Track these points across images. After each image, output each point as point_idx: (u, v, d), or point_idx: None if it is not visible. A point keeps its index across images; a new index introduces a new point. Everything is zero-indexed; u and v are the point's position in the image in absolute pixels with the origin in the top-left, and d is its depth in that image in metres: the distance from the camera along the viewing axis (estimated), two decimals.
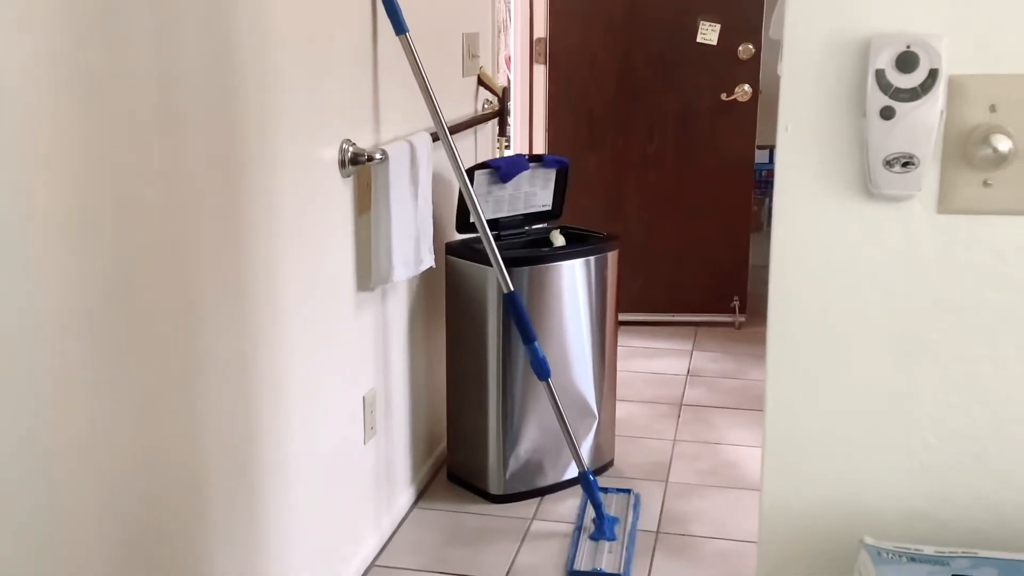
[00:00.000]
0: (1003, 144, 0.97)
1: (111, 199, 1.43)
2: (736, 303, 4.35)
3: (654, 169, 4.32)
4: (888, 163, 0.99)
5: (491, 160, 2.93)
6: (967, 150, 0.99)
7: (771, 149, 5.57)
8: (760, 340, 4.24)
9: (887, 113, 0.98)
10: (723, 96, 4.20)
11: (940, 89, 0.97)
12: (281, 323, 1.98)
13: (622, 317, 3.17)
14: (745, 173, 4.26)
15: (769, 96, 4.24)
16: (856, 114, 1.01)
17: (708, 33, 4.15)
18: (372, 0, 2.37)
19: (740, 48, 4.15)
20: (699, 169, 4.29)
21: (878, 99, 0.98)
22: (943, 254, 1.03)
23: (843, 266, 1.05)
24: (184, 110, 1.61)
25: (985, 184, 0.99)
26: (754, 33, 4.13)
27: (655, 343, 4.22)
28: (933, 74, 0.97)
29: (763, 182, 4.95)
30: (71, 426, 1.38)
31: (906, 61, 0.97)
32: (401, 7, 2.37)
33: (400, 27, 2.37)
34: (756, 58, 4.15)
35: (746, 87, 4.17)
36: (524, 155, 2.98)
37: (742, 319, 4.36)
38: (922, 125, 0.97)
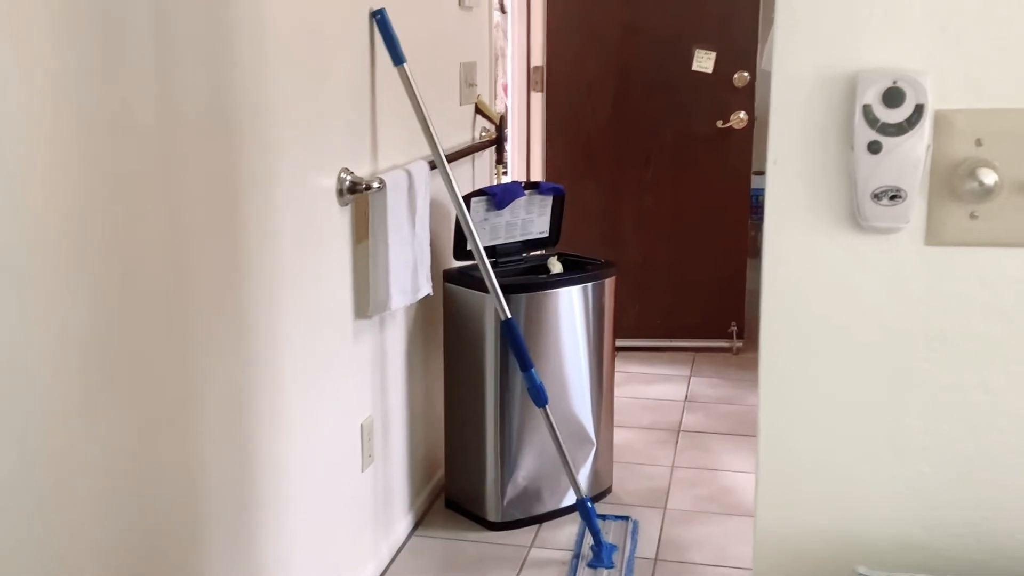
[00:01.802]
0: (989, 177, 0.98)
1: (110, 228, 1.44)
2: (734, 328, 4.37)
3: (651, 196, 4.34)
4: (876, 196, 1.00)
5: (487, 187, 2.96)
6: (953, 183, 1.01)
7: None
8: (757, 365, 4.24)
9: (874, 147, 0.99)
10: (719, 123, 4.23)
11: (926, 124, 0.99)
12: (279, 351, 1.99)
13: (619, 343, 3.19)
14: (741, 199, 4.29)
15: (765, 123, 4.26)
16: (844, 148, 1.02)
17: (704, 61, 4.19)
18: (370, 31, 2.40)
19: (735, 76, 4.19)
20: (696, 195, 4.31)
21: (865, 133, 0.99)
22: (931, 285, 1.04)
23: (833, 297, 1.07)
24: (182, 139, 1.62)
25: (972, 216, 1.01)
26: (749, 61, 4.17)
27: (653, 369, 4.23)
28: (919, 109, 0.98)
29: (760, 208, 4.97)
30: (66, 455, 1.39)
31: (892, 96, 0.98)
32: (399, 37, 2.39)
33: (398, 58, 2.40)
34: (751, 86, 4.19)
35: (742, 114, 4.20)
36: (520, 182, 3.00)
37: (740, 344, 4.37)
38: (909, 159, 0.99)
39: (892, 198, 1.00)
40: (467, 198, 2.74)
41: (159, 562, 1.62)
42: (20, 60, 1.26)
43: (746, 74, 4.18)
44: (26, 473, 1.31)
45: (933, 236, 1.02)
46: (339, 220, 2.28)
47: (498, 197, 2.88)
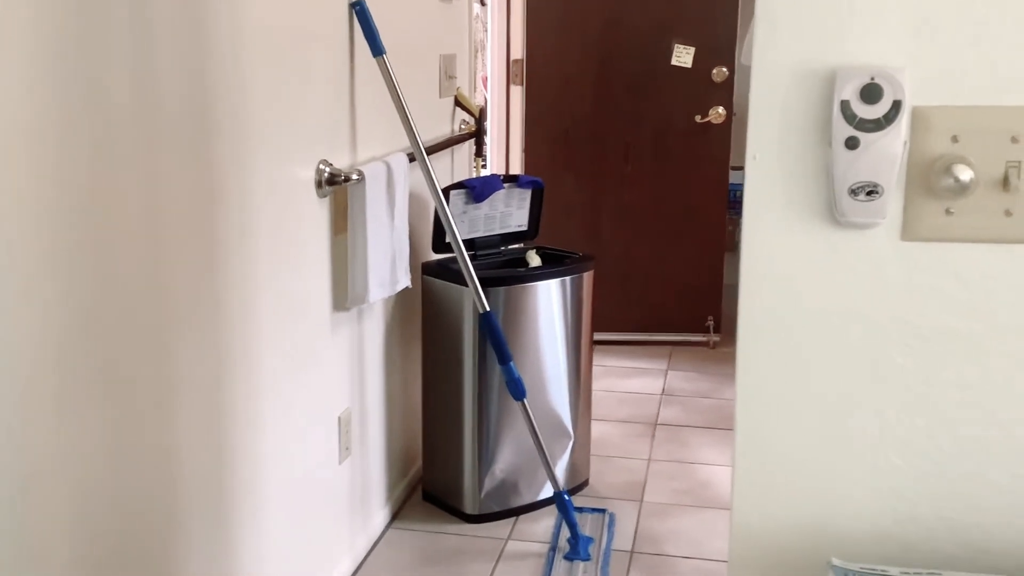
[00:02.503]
0: (964, 174, 0.99)
1: (85, 218, 1.43)
2: (711, 323, 4.39)
3: (629, 190, 4.35)
4: (853, 192, 1.01)
5: (466, 180, 2.95)
6: (930, 179, 1.01)
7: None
8: (734, 359, 4.27)
9: (852, 143, 1.00)
10: (697, 118, 4.24)
11: (903, 120, 1.00)
12: (256, 343, 1.98)
13: (597, 336, 3.19)
14: (719, 194, 4.31)
15: (743, 118, 4.28)
16: (822, 143, 1.03)
17: (683, 56, 4.20)
18: (349, 21, 2.39)
19: (714, 71, 4.20)
20: (674, 190, 4.33)
21: (843, 129, 1.00)
22: (907, 280, 1.05)
23: (810, 291, 1.07)
24: (159, 130, 1.61)
25: (947, 212, 1.02)
26: (728, 56, 4.19)
27: (630, 363, 4.25)
28: (897, 105, 0.99)
29: (737, 202, 5.00)
30: (43, 446, 1.37)
31: (870, 93, 0.99)
32: (379, 29, 2.38)
33: (377, 49, 2.39)
34: (730, 81, 4.20)
35: (720, 109, 4.22)
36: (499, 175, 3.00)
37: (716, 339, 4.39)
38: (886, 155, 1.00)
39: (869, 194, 1.01)
40: (446, 191, 2.73)
41: (135, 553, 1.61)
42: None
43: (725, 69, 4.19)
44: (2, 463, 1.30)
45: (909, 232, 1.03)
46: (317, 212, 2.27)
47: (477, 190, 2.88)
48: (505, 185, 2.96)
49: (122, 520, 1.57)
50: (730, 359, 4.19)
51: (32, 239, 1.33)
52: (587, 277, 2.96)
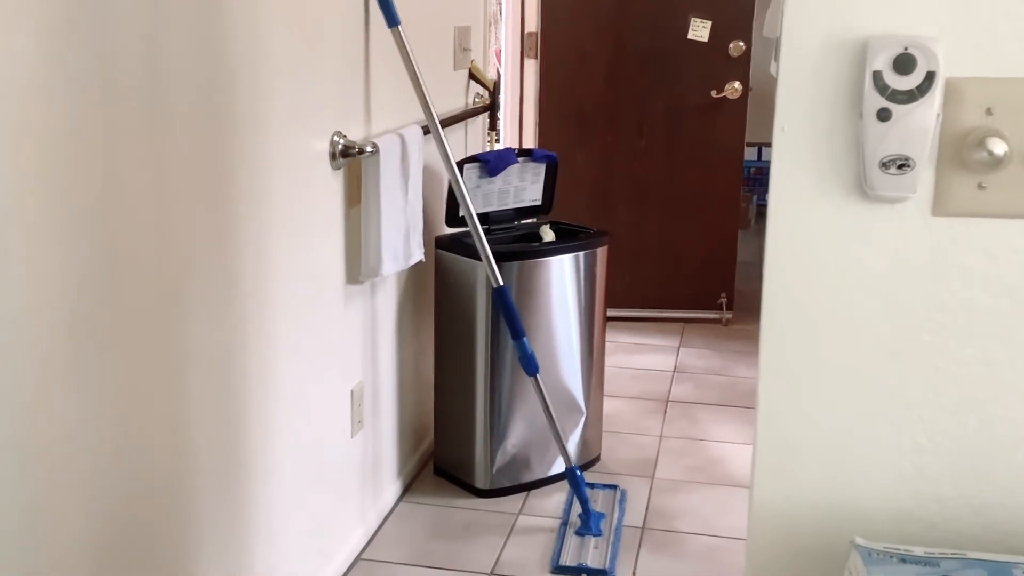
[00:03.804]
0: (998, 147, 0.97)
1: (97, 192, 1.42)
2: (723, 300, 4.36)
3: (643, 165, 4.32)
4: (884, 165, 0.99)
5: (480, 154, 2.93)
6: (962, 153, 0.99)
7: (760, 146, 5.59)
8: (746, 337, 4.28)
9: (884, 115, 0.98)
10: (713, 93, 4.20)
11: (937, 91, 0.97)
12: (269, 316, 1.97)
13: (609, 313, 3.18)
14: (734, 170, 4.27)
15: (759, 94, 4.25)
16: (852, 115, 1.01)
17: (699, 30, 4.15)
18: None
19: (731, 45, 4.15)
20: (688, 165, 4.29)
21: (875, 101, 0.98)
22: (936, 256, 1.03)
23: (837, 267, 1.05)
24: (173, 102, 1.59)
25: (980, 187, 0.99)
26: (745, 30, 4.14)
27: (642, 339, 4.23)
28: (930, 76, 0.97)
29: (751, 179, 4.97)
30: (54, 422, 1.37)
31: (903, 63, 0.97)
32: None
33: (392, 19, 2.36)
34: (747, 55, 4.15)
35: (736, 84, 4.17)
36: (513, 149, 2.98)
37: (729, 316, 4.37)
38: (918, 127, 0.98)
39: (900, 167, 0.98)
40: (460, 164, 2.71)
41: (147, 524, 1.61)
42: (5, 24, 1.22)
43: (741, 43, 4.14)
44: (16, 438, 1.29)
45: (940, 206, 1.01)
46: (331, 184, 2.25)
47: (491, 164, 2.86)
48: (519, 159, 2.94)
49: (134, 491, 1.56)
50: (743, 336, 4.19)
51: (43, 211, 1.31)
52: (601, 253, 2.94)
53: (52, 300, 1.34)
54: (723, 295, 4.36)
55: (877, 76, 0.97)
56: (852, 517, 1.10)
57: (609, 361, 3.48)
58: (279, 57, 1.94)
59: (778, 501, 1.12)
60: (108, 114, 1.42)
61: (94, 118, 1.39)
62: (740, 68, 4.17)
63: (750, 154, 4.34)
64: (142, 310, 1.54)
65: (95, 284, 1.42)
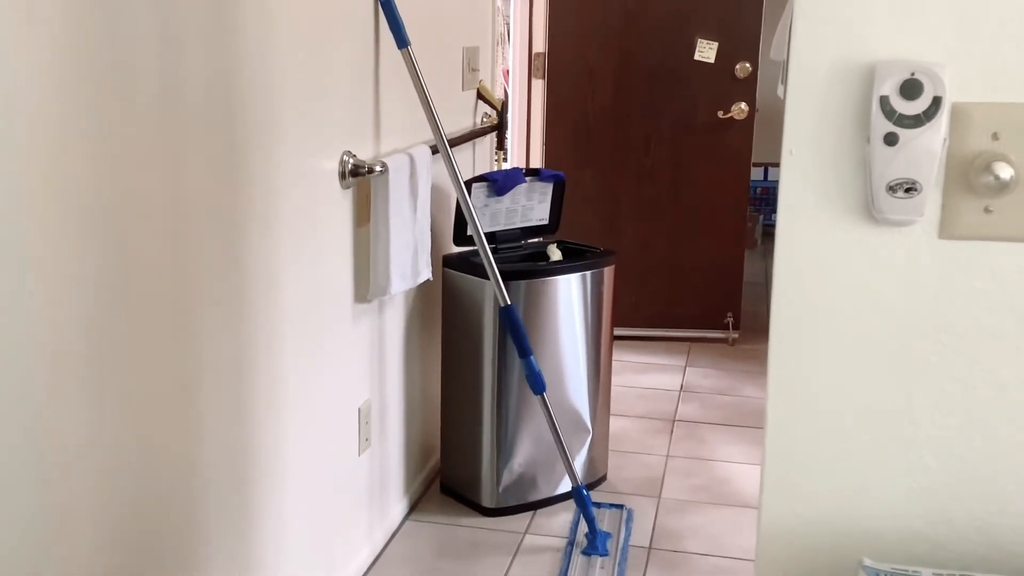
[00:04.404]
0: (1005, 172, 0.98)
1: (111, 206, 1.43)
2: (730, 319, 4.37)
3: (650, 185, 4.34)
4: (891, 188, 1.00)
5: (488, 173, 2.95)
6: (969, 177, 1.00)
7: (766, 166, 5.62)
8: (753, 357, 4.28)
9: (891, 139, 0.99)
10: (720, 114, 4.22)
11: (943, 116, 0.98)
12: (278, 333, 1.99)
13: (616, 332, 3.18)
14: (740, 190, 4.29)
15: (765, 115, 4.27)
16: (860, 139, 1.02)
17: (706, 51, 4.18)
18: (375, 13, 2.38)
19: (737, 67, 4.18)
20: (695, 185, 4.31)
21: (882, 125, 0.99)
22: (944, 279, 1.04)
23: (845, 288, 1.06)
24: (186, 120, 1.61)
25: (986, 211, 1.00)
26: (751, 52, 4.16)
27: (649, 358, 4.23)
28: (937, 101, 0.98)
29: (758, 199, 4.98)
30: (67, 431, 1.38)
31: (910, 88, 0.98)
32: (403, 20, 2.38)
33: (402, 41, 2.38)
34: (753, 77, 4.18)
35: (743, 105, 4.19)
36: (520, 168, 2.99)
37: (735, 335, 4.38)
38: (925, 152, 0.99)
39: (907, 191, 1.00)
40: (468, 183, 2.73)
41: (156, 536, 1.62)
42: (24, 40, 1.24)
43: (748, 65, 4.17)
44: (28, 446, 1.30)
45: (947, 230, 1.02)
46: (341, 203, 2.27)
47: (499, 183, 2.87)
48: (527, 179, 2.96)
49: (144, 503, 1.57)
50: (749, 356, 4.20)
51: (56, 225, 1.33)
52: (608, 272, 2.95)
53: (65, 310, 1.35)
54: (729, 314, 4.36)
55: (884, 101, 0.99)
56: (861, 537, 1.11)
57: (616, 380, 3.48)
58: (291, 77, 1.96)
59: (787, 521, 1.13)
60: (124, 131, 1.44)
61: (110, 134, 1.41)
62: (747, 89, 4.19)
63: (756, 174, 4.36)
64: (154, 324, 1.56)
65: (108, 296, 1.44)
